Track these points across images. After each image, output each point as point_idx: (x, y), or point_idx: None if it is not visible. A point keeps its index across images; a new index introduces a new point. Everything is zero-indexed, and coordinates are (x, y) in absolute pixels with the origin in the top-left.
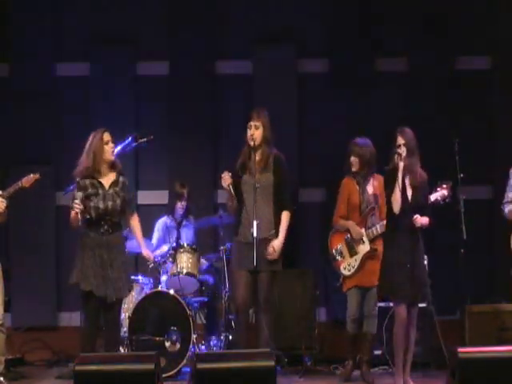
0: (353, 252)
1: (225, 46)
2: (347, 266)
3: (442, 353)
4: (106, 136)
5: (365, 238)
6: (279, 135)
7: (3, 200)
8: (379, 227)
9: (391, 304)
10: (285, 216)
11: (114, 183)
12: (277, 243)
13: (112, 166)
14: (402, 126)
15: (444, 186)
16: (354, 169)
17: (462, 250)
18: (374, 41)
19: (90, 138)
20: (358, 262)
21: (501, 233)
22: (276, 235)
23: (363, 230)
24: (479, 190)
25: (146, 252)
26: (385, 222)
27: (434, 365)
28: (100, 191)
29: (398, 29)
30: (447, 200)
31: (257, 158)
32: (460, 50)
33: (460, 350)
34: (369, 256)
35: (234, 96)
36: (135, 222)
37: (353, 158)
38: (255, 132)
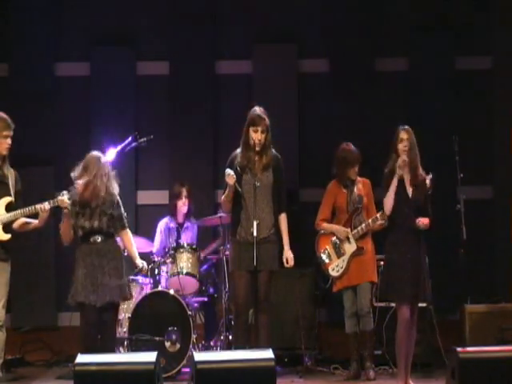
0: (340, 253)
1: (225, 46)
2: (335, 267)
3: (441, 353)
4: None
5: (351, 238)
6: (279, 135)
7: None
8: (364, 226)
9: (391, 304)
10: (284, 219)
11: (102, 202)
12: (288, 253)
13: (102, 192)
14: (403, 124)
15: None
16: (354, 177)
17: (462, 250)
18: (374, 41)
19: (96, 162)
20: (345, 263)
21: (501, 233)
22: (276, 234)
23: (348, 230)
24: (479, 190)
25: (139, 262)
26: (370, 220)
27: (434, 365)
28: (87, 210)
29: (398, 29)
30: (430, 189)
31: (257, 158)
32: (460, 50)
33: (460, 350)
34: (356, 255)
35: (234, 96)
36: (126, 238)
37: (356, 169)
38: (262, 136)
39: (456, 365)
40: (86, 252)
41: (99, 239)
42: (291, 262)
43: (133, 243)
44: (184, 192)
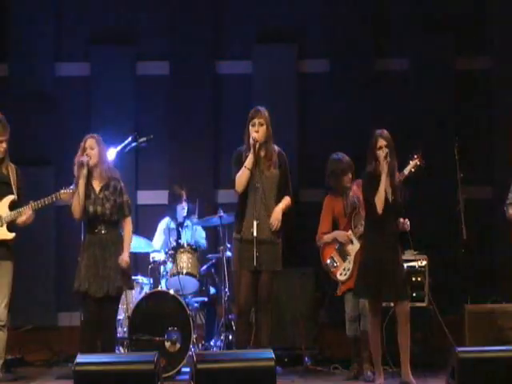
0: (345, 256)
1: (225, 46)
2: (343, 271)
3: (442, 353)
4: (88, 143)
5: (353, 238)
6: (279, 135)
7: (32, 213)
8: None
9: (391, 304)
10: (285, 198)
11: (105, 187)
12: (276, 213)
13: (103, 172)
14: (380, 129)
15: (415, 156)
16: (348, 185)
17: (462, 250)
18: (374, 41)
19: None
20: (351, 264)
21: (501, 233)
22: (279, 236)
23: (349, 231)
24: (479, 190)
25: (123, 257)
26: None
27: (434, 365)
28: (92, 195)
29: (398, 29)
30: (421, 165)
31: (261, 154)
32: (460, 50)
33: (460, 349)
34: (360, 253)
35: (234, 96)
36: (127, 227)
37: (350, 176)
38: (260, 129)
39: (456, 365)
40: (89, 243)
41: (103, 230)
42: (276, 224)
43: (130, 234)
44: (184, 196)
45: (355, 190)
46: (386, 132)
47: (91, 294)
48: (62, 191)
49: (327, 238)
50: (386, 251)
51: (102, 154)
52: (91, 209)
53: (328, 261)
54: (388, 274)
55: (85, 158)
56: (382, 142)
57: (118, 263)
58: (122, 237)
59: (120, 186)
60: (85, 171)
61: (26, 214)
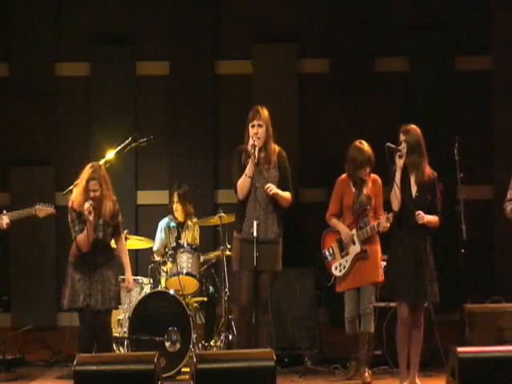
0: (344, 253)
1: (225, 46)
2: (338, 266)
3: (442, 353)
4: (91, 185)
5: (356, 239)
6: (279, 135)
7: (8, 222)
8: (369, 229)
9: (391, 304)
10: (285, 192)
11: (107, 213)
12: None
13: (106, 207)
14: (406, 124)
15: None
16: (364, 178)
17: (462, 250)
18: (374, 41)
19: (84, 174)
20: (348, 263)
21: (501, 233)
22: (279, 236)
23: (354, 231)
24: (479, 190)
25: (128, 276)
26: (375, 224)
27: (434, 365)
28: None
29: (398, 29)
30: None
31: (262, 155)
32: (460, 50)
33: (460, 350)
34: (360, 257)
35: (233, 96)
36: (120, 244)
37: (367, 171)
38: (259, 130)
39: (456, 365)
40: (83, 263)
41: (98, 252)
42: (270, 188)
43: (126, 252)
44: (175, 197)
45: (370, 188)
46: (409, 126)
47: (88, 306)
48: (38, 206)
49: (334, 224)
50: (412, 252)
51: (105, 192)
52: (93, 236)
53: (326, 250)
54: (410, 275)
55: (89, 206)
56: (400, 137)
57: (110, 279)
58: (115, 254)
59: (117, 207)
60: (91, 218)
61: None
